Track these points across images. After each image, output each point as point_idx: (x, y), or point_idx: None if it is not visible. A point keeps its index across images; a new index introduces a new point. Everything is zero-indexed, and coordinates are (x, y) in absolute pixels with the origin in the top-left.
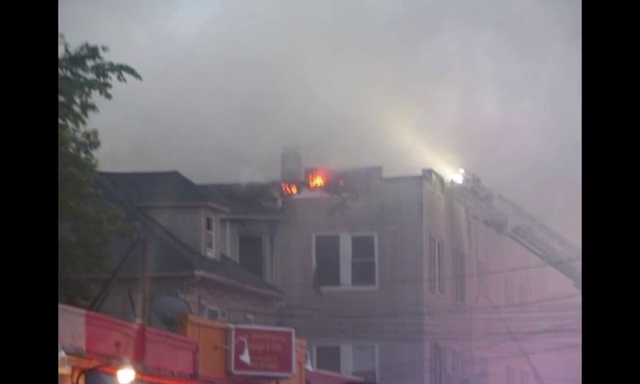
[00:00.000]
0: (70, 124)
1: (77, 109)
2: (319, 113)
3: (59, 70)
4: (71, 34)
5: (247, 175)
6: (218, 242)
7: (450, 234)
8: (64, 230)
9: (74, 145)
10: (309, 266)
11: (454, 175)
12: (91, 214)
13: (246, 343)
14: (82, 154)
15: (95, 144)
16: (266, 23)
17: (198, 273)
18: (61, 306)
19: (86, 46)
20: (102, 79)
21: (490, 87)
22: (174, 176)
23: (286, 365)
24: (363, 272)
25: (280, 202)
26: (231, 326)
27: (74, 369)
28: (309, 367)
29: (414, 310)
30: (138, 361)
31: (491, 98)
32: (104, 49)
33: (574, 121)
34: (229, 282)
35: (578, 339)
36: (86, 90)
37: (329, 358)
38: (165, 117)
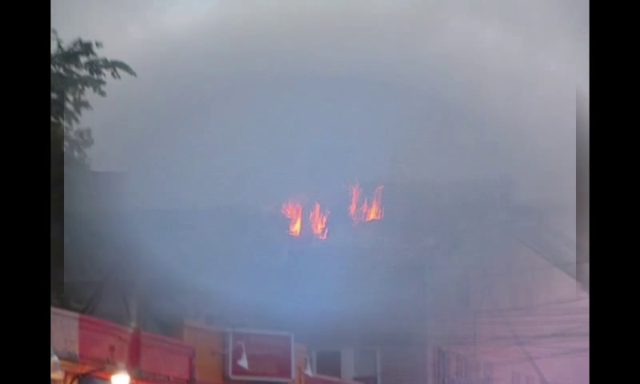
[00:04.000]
0: (63, 122)
1: (70, 106)
2: None
3: (52, 67)
4: (64, 29)
5: None
6: None
7: None
8: (56, 231)
9: (66, 143)
10: None
11: None
12: (84, 215)
13: (244, 348)
14: (75, 153)
15: (89, 142)
16: (264, 18)
17: None
18: (53, 310)
19: (79, 41)
20: (95, 76)
21: (496, 83)
22: None
23: (285, 370)
24: None
25: None
26: (229, 329)
27: (66, 374)
28: (308, 372)
29: (417, 314)
30: (133, 366)
31: (497, 94)
32: (98, 45)
33: (581, 118)
34: None
35: (585, 343)
36: (80, 87)
37: (329, 362)
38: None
